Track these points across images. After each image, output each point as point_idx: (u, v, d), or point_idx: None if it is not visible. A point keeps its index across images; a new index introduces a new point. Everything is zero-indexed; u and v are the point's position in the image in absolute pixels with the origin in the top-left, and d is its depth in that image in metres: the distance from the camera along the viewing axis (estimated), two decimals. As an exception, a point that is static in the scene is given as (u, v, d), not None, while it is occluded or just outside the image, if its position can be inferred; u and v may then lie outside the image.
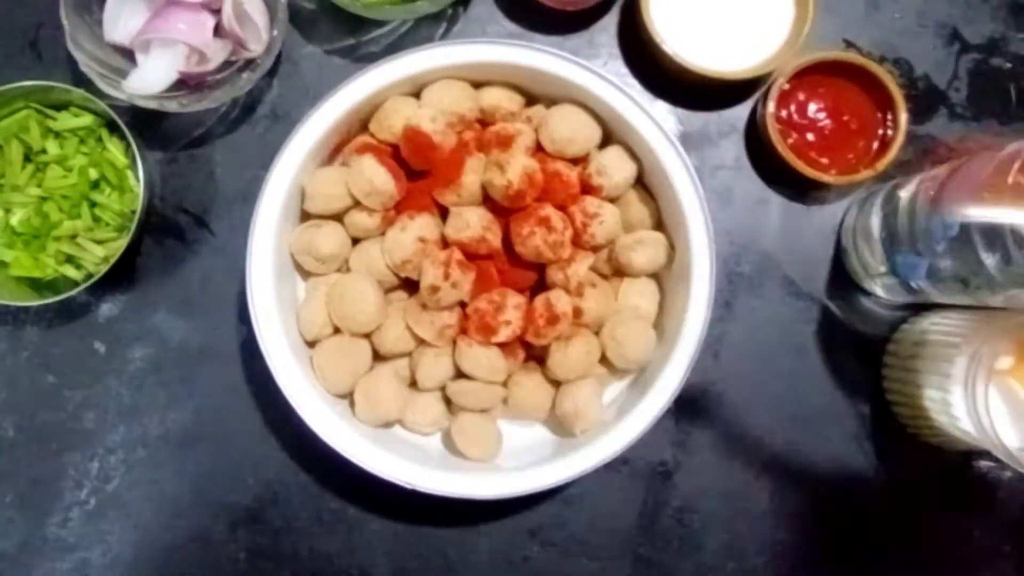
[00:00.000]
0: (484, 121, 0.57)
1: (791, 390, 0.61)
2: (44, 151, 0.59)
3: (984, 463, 0.61)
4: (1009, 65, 0.63)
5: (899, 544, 0.60)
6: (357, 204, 0.55)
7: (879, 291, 0.59)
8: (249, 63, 0.58)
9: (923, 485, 0.61)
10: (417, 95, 0.56)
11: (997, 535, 0.60)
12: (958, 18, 0.63)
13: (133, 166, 0.58)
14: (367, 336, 0.55)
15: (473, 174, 0.54)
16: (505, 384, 0.56)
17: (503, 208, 0.54)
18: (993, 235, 0.45)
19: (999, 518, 0.60)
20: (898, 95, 0.58)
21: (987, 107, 0.63)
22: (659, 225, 0.57)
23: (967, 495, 0.61)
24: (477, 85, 0.57)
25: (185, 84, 0.58)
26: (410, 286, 0.56)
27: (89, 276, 0.58)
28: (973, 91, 0.63)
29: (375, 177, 0.52)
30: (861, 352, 0.61)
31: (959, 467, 0.61)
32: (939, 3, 0.63)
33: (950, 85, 0.63)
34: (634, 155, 0.55)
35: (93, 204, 0.59)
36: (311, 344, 0.56)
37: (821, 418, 0.61)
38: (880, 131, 0.59)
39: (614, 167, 0.55)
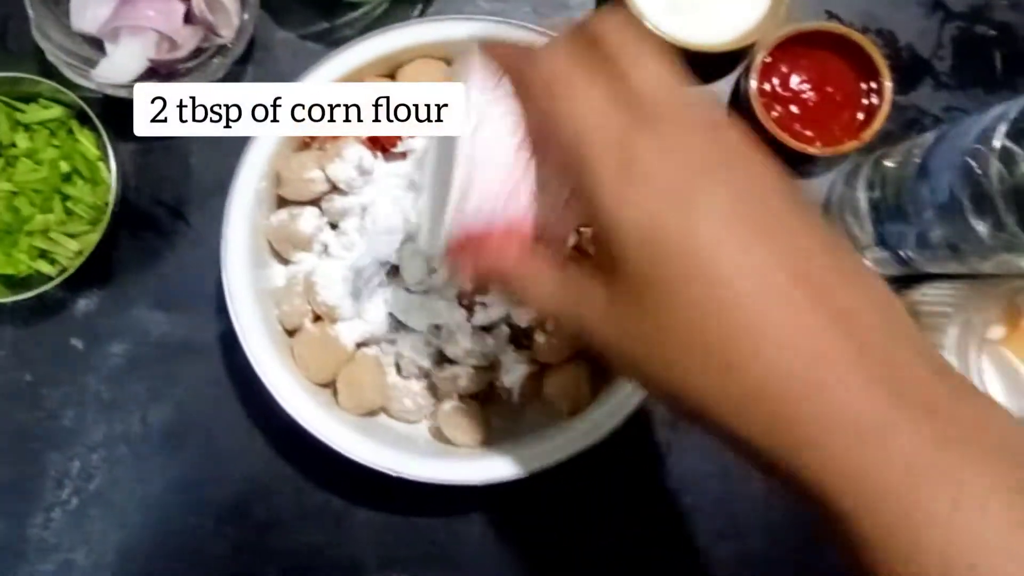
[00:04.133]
0: (462, 101, 0.56)
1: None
2: (13, 145, 0.57)
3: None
4: (994, 33, 0.62)
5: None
6: (334, 188, 0.54)
7: (868, 264, 0.58)
8: (221, 49, 0.57)
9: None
10: (392, 76, 0.55)
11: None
12: (941, -14, 0.62)
13: (105, 158, 0.57)
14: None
15: (452, 154, 0.53)
16: (493, 368, 0.55)
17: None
18: (982, 199, 0.44)
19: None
20: (882, 65, 0.57)
21: (972, 75, 0.62)
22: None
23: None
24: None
25: (156, 72, 0.57)
26: (391, 269, 0.55)
27: (63, 271, 0.57)
28: (958, 60, 0.62)
29: (364, 158, 0.52)
30: (852, 327, 0.60)
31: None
32: (921, -29, 0.62)
33: (934, 54, 0.62)
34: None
35: (65, 197, 0.58)
36: (291, 333, 0.55)
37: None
38: (865, 102, 0.58)
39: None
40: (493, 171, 0.34)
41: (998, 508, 0.25)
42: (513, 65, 0.34)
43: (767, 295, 0.28)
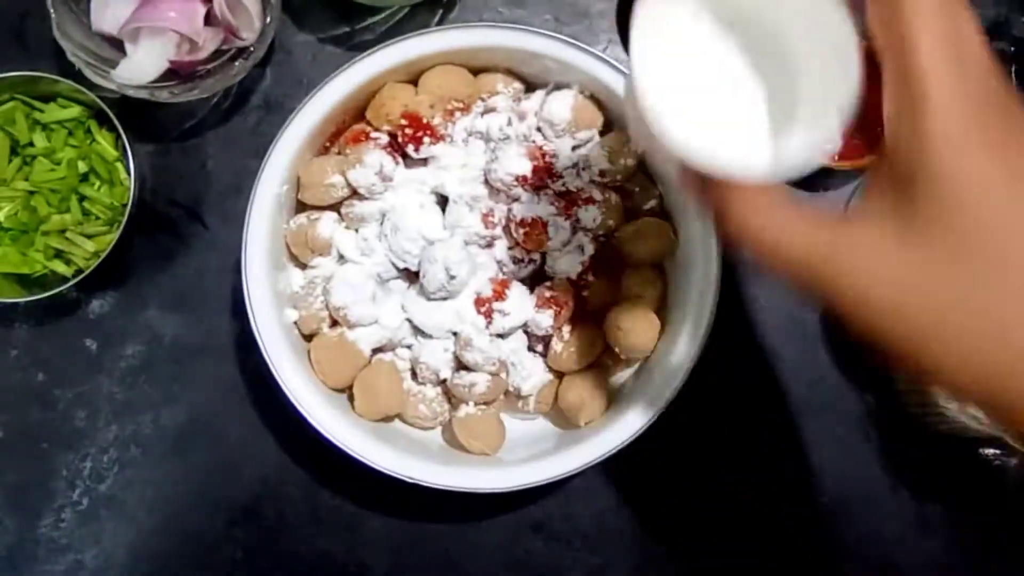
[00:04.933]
0: (483, 108, 0.56)
1: (795, 378, 0.60)
2: (31, 144, 0.57)
3: (991, 451, 0.60)
4: (1012, 48, 0.62)
5: (905, 533, 0.60)
6: (355, 193, 0.54)
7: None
8: (241, 52, 0.57)
9: (929, 473, 0.60)
10: (414, 82, 0.55)
11: (1004, 523, 0.60)
12: (961, 2, 0.62)
13: (123, 158, 0.57)
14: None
15: (472, 162, 0.53)
16: (509, 376, 0.55)
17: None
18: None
19: (1005, 506, 0.60)
20: (902, 79, 0.57)
21: (990, 91, 0.62)
22: (662, 211, 0.56)
23: (974, 483, 0.60)
24: (475, 71, 0.55)
25: (176, 74, 0.57)
26: (410, 275, 0.55)
27: (79, 271, 0.57)
28: (976, 75, 0.62)
29: (385, 164, 0.52)
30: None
31: (966, 456, 0.60)
32: (941, -14, 0.62)
33: (953, 69, 0.62)
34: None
35: (82, 198, 0.57)
36: (308, 338, 0.55)
37: (826, 407, 0.60)
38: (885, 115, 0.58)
39: (616, 153, 0.54)
40: None
41: None
42: None
43: None
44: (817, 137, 0.31)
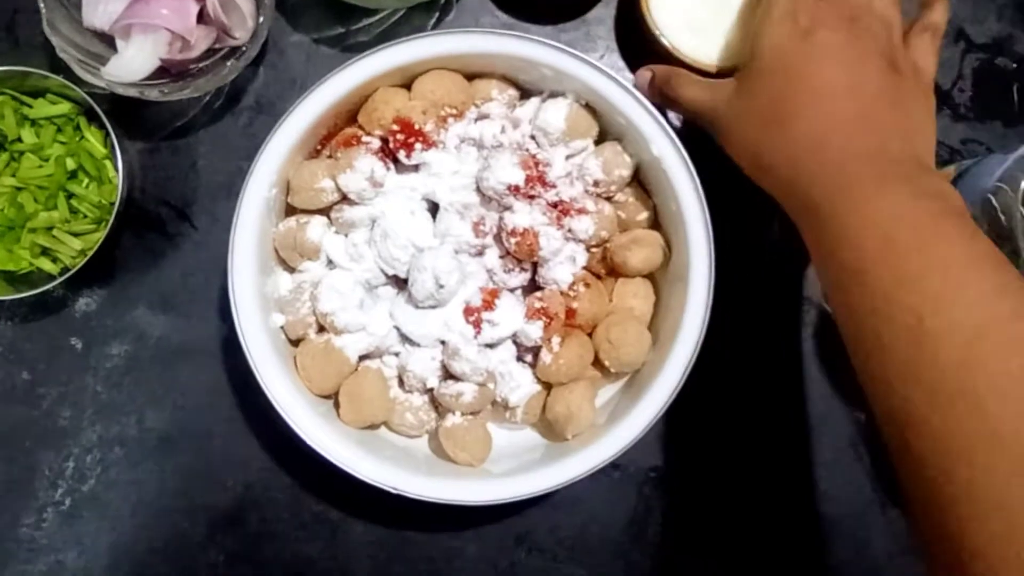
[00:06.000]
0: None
1: (787, 395, 0.60)
2: (19, 139, 0.57)
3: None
4: (1015, 65, 0.62)
5: (895, 552, 0.59)
6: (345, 198, 0.53)
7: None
8: (234, 51, 0.56)
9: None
10: (407, 86, 0.54)
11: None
12: (964, 17, 0.62)
13: (112, 156, 0.57)
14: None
15: (464, 169, 0.52)
16: (497, 386, 0.54)
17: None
18: (1001, 230, 0.43)
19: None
20: (902, 94, 0.56)
21: (992, 108, 0.62)
22: (655, 224, 0.56)
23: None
24: (470, 77, 0.55)
25: (167, 72, 0.56)
26: (398, 282, 0.54)
27: (65, 270, 0.56)
28: (978, 92, 0.62)
29: (376, 169, 0.51)
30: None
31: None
32: (944, 1, 0.61)
33: (954, 85, 0.62)
34: (630, 151, 0.54)
35: (70, 195, 0.57)
36: (295, 343, 0.54)
37: (817, 424, 0.60)
38: (883, 131, 0.58)
39: (610, 164, 0.53)
40: None
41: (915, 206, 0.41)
42: None
43: (832, 103, 0.45)
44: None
